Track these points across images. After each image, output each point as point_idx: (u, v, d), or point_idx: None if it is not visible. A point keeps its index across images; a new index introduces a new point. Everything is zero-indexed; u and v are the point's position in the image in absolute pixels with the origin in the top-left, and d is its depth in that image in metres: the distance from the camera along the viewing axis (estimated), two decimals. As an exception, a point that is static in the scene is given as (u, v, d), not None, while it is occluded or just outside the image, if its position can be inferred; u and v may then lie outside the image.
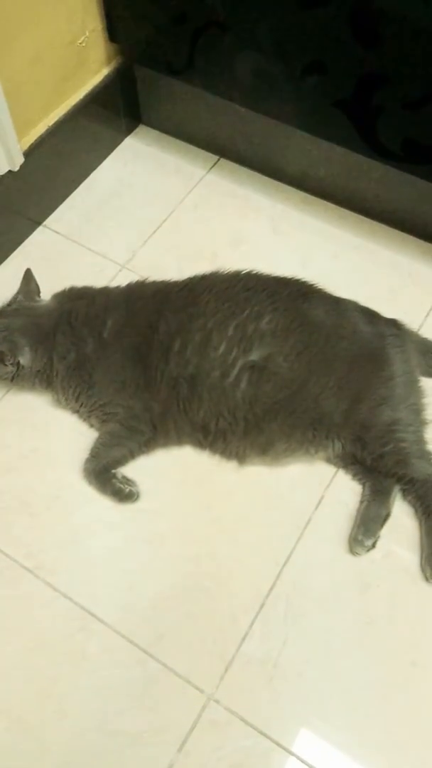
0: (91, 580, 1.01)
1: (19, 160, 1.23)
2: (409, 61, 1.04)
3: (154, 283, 1.16)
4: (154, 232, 1.37)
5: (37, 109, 1.28)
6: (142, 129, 1.52)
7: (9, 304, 1.17)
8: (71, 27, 1.25)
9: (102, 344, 1.09)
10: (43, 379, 1.13)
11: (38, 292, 1.20)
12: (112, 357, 1.08)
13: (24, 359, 1.11)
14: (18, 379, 1.13)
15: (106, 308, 1.11)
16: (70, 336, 1.10)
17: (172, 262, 1.31)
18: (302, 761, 0.88)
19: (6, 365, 1.11)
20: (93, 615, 0.98)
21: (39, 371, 1.12)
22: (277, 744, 0.89)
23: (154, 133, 1.51)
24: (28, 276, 1.20)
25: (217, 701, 0.92)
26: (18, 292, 1.18)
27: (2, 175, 1.24)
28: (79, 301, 1.14)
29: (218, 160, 1.47)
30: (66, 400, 1.12)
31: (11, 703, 0.93)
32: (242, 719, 0.91)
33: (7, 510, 1.07)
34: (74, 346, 1.10)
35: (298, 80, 1.16)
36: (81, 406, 1.11)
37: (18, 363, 1.11)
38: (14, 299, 1.17)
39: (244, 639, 0.96)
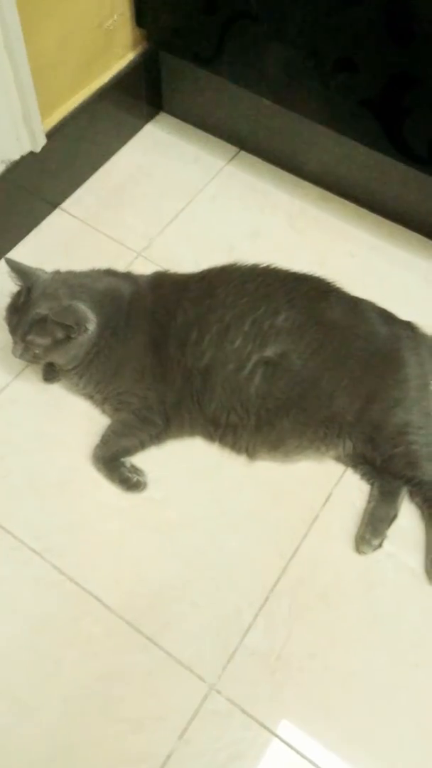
0: (98, 566, 1.01)
1: (42, 141, 1.22)
2: (442, 64, 1.04)
3: (176, 275, 1.16)
4: (172, 221, 1.37)
5: (61, 91, 1.27)
6: (162, 116, 1.51)
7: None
8: (100, 10, 1.24)
9: (127, 332, 1.08)
10: (79, 358, 1.06)
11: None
12: (134, 345, 1.08)
13: (90, 332, 1.05)
14: (60, 350, 1.04)
15: (132, 296, 1.11)
16: (106, 319, 1.07)
17: (189, 253, 1.31)
18: (301, 755, 0.89)
19: (79, 330, 1.03)
20: (99, 600, 0.98)
21: (89, 348, 1.06)
22: (277, 736, 0.90)
23: (175, 121, 1.51)
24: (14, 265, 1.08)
25: (218, 691, 0.93)
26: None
27: (23, 156, 1.23)
28: (119, 284, 1.11)
29: (238, 152, 1.47)
30: (85, 384, 1.11)
31: (14, 684, 0.93)
32: (243, 710, 0.92)
33: (17, 492, 1.07)
34: (107, 330, 1.07)
35: (327, 76, 1.16)
36: (98, 392, 1.11)
37: (75, 334, 1.03)
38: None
39: (247, 631, 0.97)
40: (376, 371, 1.06)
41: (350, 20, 1.08)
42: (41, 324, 1.03)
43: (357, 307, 1.12)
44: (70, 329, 1.03)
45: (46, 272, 1.09)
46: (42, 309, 1.03)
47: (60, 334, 1.04)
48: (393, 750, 0.90)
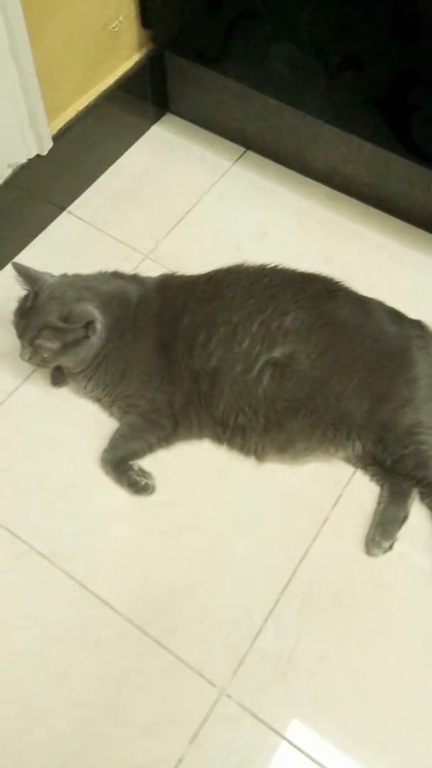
0: (107, 569, 1.01)
1: (48, 144, 1.22)
2: (449, 61, 1.03)
3: (183, 277, 1.16)
4: (179, 222, 1.37)
5: (67, 93, 1.27)
6: (168, 117, 1.51)
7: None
8: (105, 11, 1.24)
9: (134, 335, 1.08)
10: (87, 361, 1.06)
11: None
12: (142, 348, 1.08)
13: (97, 333, 1.05)
14: (69, 353, 1.04)
15: (140, 298, 1.10)
16: (114, 322, 1.07)
17: (196, 253, 1.30)
18: (312, 759, 0.89)
19: (87, 332, 1.03)
20: (107, 604, 0.98)
21: (97, 350, 1.06)
22: (288, 741, 0.90)
23: (181, 122, 1.50)
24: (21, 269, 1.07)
25: (229, 696, 0.92)
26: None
27: (30, 159, 1.23)
28: (127, 286, 1.11)
29: (244, 152, 1.46)
30: (93, 387, 1.11)
31: (24, 689, 0.93)
32: (254, 715, 0.91)
33: (25, 495, 1.07)
34: (115, 333, 1.07)
35: (333, 75, 1.15)
36: (106, 395, 1.10)
37: (94, 331, 1.03)
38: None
39: (258, 634, 0.96)
40: (385, 371, 1.05)
41: (356, 18, 1.07)
42: (49, 328, 1.03)
43: (365, 306, 1.12)
44: (79, 331, 1.03)
45: (53, 276, 1.09)
46: (50, 313, 1.03)
47: (68, 337, 1.04)
48: (403, 752, 0.89)
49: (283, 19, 1.14)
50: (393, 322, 1.10)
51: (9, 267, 1.11)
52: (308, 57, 1.15)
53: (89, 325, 1.03)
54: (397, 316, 1.12)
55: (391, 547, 1.01)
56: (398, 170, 1.28)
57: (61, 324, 1.02)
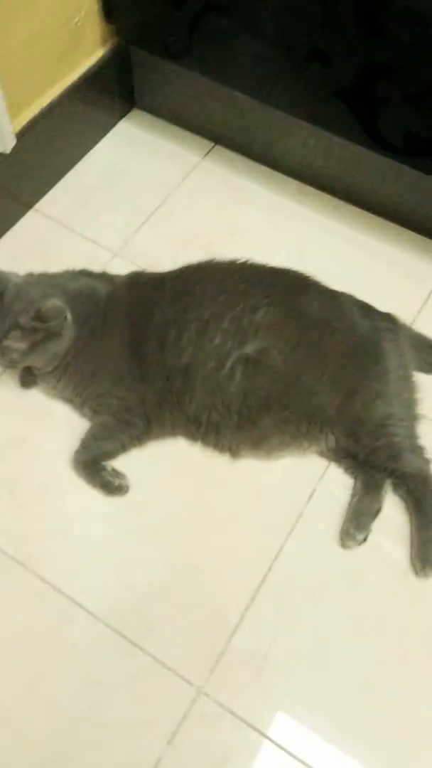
0: (80, 572, 1.00)
1: (12, 142, 1.20)
2: (413, 53, 1.03)
3: (152, 273, 1.14)
4: (148, 218, 1.35)
5: (30, 90, 1.25)
6: (135, 113, 1.49)
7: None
8: (67, 5, 1.22)
9: (104, 333, 1.06)
10: (57, 359, 1.05)
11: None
12: (112, 346, 1.07)
13: (68, 330, 1.04)
14: (38, 353, 1.03)
15: (109, 296, 1.09)
16: (83, 320, 1.06)
17: (166, 250, 1.29)
18: (291, 755, 0.89)
19: (59, 328, 1.01)
20: (82, 607, 0.97)
21: (67, 349, 1.05)
22: (267, 737, 0.90)
23: (149, 117, 1.49)
24: None
25: (206, 694, 0.92)
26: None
27: (-6, 157, 1.21)
28: (96, 284, 1.10)
29: (213, 146, 1.45)
30: (63, 387, 1.09)
31: (-1, 695, 0.92)
32: (232, 712, 0.91)
33: (-4, 499, 1.05)
34: (84, 331, 1.06)
35: (299, 68, 1.14)
36: (77, 395, 1.09)
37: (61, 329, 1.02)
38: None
39: (234, 632, 0.96)
40: (356, 365, 1.05)
41: (321, 11, 1.06)
42: (17, 328, 1.01)
43: (336, 300, 1.12)
44: (47, 327, 1.01)
45: (18, 275, 1.08)
46: (18, 313, 1.01)
47: (36, 336, 1.02)
48: (383, 746, 0.89)
49: (247, 12, 1.13)
50: (363, 316, 1.10)
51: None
52: (273, 50, 1.15)
53: (57, 318, 1.01)
54: (367, 309, 1.12)
55: (365, 539, 1.02)
56: (367, 163, 1.27)
57: (34, 324, 1.00)
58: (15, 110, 1.21)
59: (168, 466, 1.08)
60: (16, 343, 1.02)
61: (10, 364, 1.06)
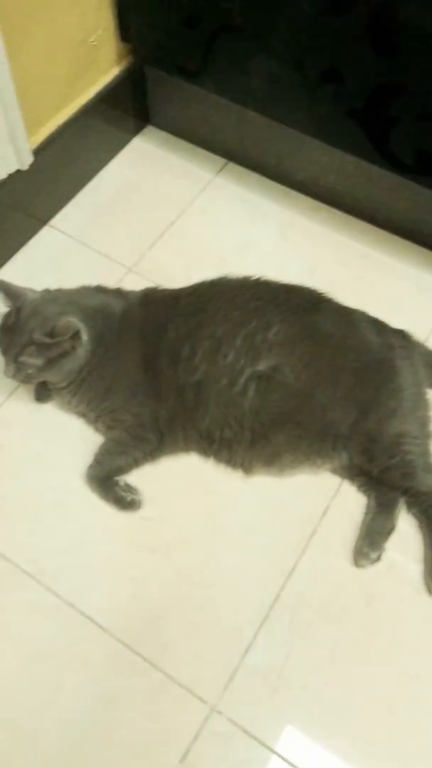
0: (94, 588, 1.00)
1: (29, 159, 1.22)
2: (427, 74, 1.04)
3: (166, 290, 1.15)
4: (162, 234, 1.36)
5: (47, 107, 1.26)
6: (149, 130, 1.51)
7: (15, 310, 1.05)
8: (84, 25, 1.24)
9: (118, 349, 1.07)
10: (72, 374, 1.06)
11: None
12: (126, 362, 1.07)
13: (83, 344, 1.04)
14: (54, 369, 1.04)
15: (123, 313, 1.10)
16: (98, 336, 1.06)
17: (180, 266, 1.30)
18: (305, 775, 0.88)
19: (74, 345, 1.02)
20: (96, 623, 0.97)
21: (82, 365, 1.05)
22: (280, 756, 0.89)
23: (162, 134, 1.50)
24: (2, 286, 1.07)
25: (220, 712, 0.92)
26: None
27: (10, 174, 1.22)
28: (110, 301, 1.11)
29: (226, 163, 1.47)
30: (77, 403, 1.10)
31: (13, 712, 0.92)
32: (245, 731, 0.91)
33: (10, 514, 1.06)
34: (99, 347, 1.06)
35: (313, 88, 1.16)
36: (91, 410, 1.10)
37: (76, 346, 1.03)
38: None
39: (248, 650, 0.96)
40: (369, 382, 1.05)
41: (335, 31, 1.07)
42: (34, 344, 1.02)
43: (349, 317, 1.12)
44: (64, 345, 1.02)
45: (35, 291, 1.09)
46: (33, 329, 1.02)
47: (52, 353, 1.03)
48: (396, 763, 0.89)
49: (261, 33, 1.14)
50: (376, 333, 1.11)
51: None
52: (287, 71, 1.16)
53: (75, 335, 1.02)
54: (380, 326, 1.13)
55: (379, 558, 1.01)
56: (380, 181, 1.28)
57: (46, 339, 1.01)
58: (32, 128, 1.22)
59: (181, 482, 1.09)
60: (32, 359, 1.03)
61: (27, 379, 1.07)
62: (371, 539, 1.02)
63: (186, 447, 1.09)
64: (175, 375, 1.06)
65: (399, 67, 1.06)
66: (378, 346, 1.09)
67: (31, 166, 1.23)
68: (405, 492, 1.04)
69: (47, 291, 1.10)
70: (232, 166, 1.46)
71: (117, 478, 1.07)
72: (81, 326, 1.04)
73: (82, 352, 1.05)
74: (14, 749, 0.89)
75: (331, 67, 1.12)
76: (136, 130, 1.49)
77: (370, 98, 1.12)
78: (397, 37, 1.03)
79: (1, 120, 1.13)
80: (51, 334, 1.01)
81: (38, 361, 1.03)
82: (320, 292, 1.14)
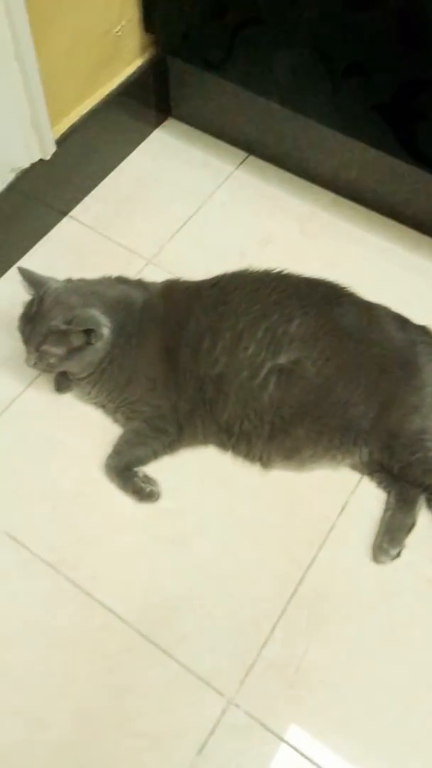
0: (113, 578, 1.00)
1: (51, 148, 1.22)
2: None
3: (187, 282, 1.15)
4: (182, 227, 1.36)
5: (70, 97, 1.26)
6: (171, 122, 1.50)
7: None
8: (108, 15, 1.24)
9: (139, 341, 1.07)
10: (93, 365, 1.06)
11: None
12: (147, 354, 1.07)
13: (102, 339, 1.04)
14: (75, 359, 1.04)
15: (144, 304, 1.10)
16: (119, 328, 1.06)
17: (199, 259, 1.30)
18: (322, 769, 0.88)
19: (89, 338, 1.02)
20: (114, 613, 0.97)
21: (103, 356, 1.05)
22: (297, 750, 0.89)
23: (183, 126, 1.50)
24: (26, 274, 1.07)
25: (237, 705, 0.91)
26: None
27: (33, 164, 1.22)
28: (132, 292, 1.11)
29: (247, 156, 1.46)
30: (97, 393, 1.10)
31: (29, 700, 0.92)
32: (262, 724, 0.90)
33: (30, 504, 1.06)
34: (120, 338, 1.06)
35: (338, 81, 1.15)
36: (110, 401, 1.10)
37: (96, 339, 1.03)
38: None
39: (265, 643, 0.95)
40: (391, 377, 1.05)
41: (361, 24, 1.07)
42: (55, 333, 1.02)
43: (371, 312, 1.11)
44: (85, 336, 1.02)
45: (57, 281, 1.09)
46: (55, 318, 1.02)
47: (75, 343, 1.03)
48: (417, 761, 0.88)
49: (287, 25, 1.14)
50: (399, 328, 1.10)
51: (11, 272, 1.10)
52: (312, 63, 1.15)
53: (90, 332, 1.02)
54: (402, 321, 1.12)
55: (398, 555, 1.01)
56: (402, 176, 1.27)
57: (65, 326, 1.01)
58: (55, 117, 1.22)
59: (199, 475, 1.09)
60: (54, 348, 1.03)
61: (48, 369, 1.07)
62: (391, 535, 1.01)
63: (205, 439, 1.09)
64: (196, 367, 1.06)
65: (426, 61, 1.05)
66: (400, 342, 1.08)
67: (54, 155, 1.23)
68: (426, 489, 1.03)
69: (69, 280, 1.10)
70: (253, 159, 1.45)
71: (136, 469, 1.07)
72: (102, 320, 1.03)
73: (102, 344, 1.05)
74: (29, 737, 0.90)
75: (356, 61, 1.11)
76: (158, 123, 1.49)
77: (396, 92, 1.11)
78: (424, 30, 1.02)
79: (26, 109, 1.13)
80: (70, 322, 1.01)
81: (60, 351, 1.03)
82: (342, 286, 1.13)
